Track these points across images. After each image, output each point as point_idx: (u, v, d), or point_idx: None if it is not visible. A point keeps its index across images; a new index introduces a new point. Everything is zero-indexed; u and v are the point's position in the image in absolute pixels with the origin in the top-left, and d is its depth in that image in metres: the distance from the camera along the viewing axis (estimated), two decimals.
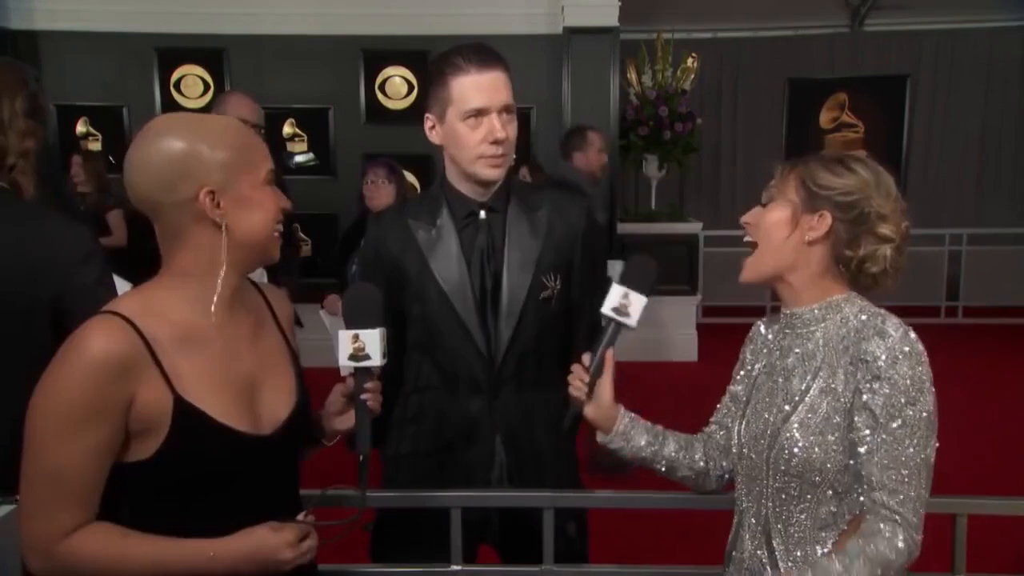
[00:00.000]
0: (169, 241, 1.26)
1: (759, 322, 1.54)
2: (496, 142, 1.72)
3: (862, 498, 1.30)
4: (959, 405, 4.85)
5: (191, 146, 1.21)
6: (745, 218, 1.44)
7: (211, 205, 1.22)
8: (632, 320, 1.48)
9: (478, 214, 1.81)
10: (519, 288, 1.79)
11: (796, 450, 1.32)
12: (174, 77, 6.19)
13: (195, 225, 1.23)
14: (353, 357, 1.36)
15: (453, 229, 1.80)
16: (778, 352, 1.43)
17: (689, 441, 1.57)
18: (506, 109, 1.73)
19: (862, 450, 1.29)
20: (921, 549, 1.27)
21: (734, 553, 1.47)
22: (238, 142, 1.26)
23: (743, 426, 1.44)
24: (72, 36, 5.90)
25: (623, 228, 6.25)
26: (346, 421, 1.43)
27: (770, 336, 1.50)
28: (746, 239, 1.43)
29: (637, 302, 1.48)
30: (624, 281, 1.49)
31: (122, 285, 1.87)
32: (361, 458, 1.38)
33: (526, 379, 1.82)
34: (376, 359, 1.36)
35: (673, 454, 1.54)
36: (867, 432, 1.28)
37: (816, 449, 1.31)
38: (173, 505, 1.24)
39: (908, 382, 1.26)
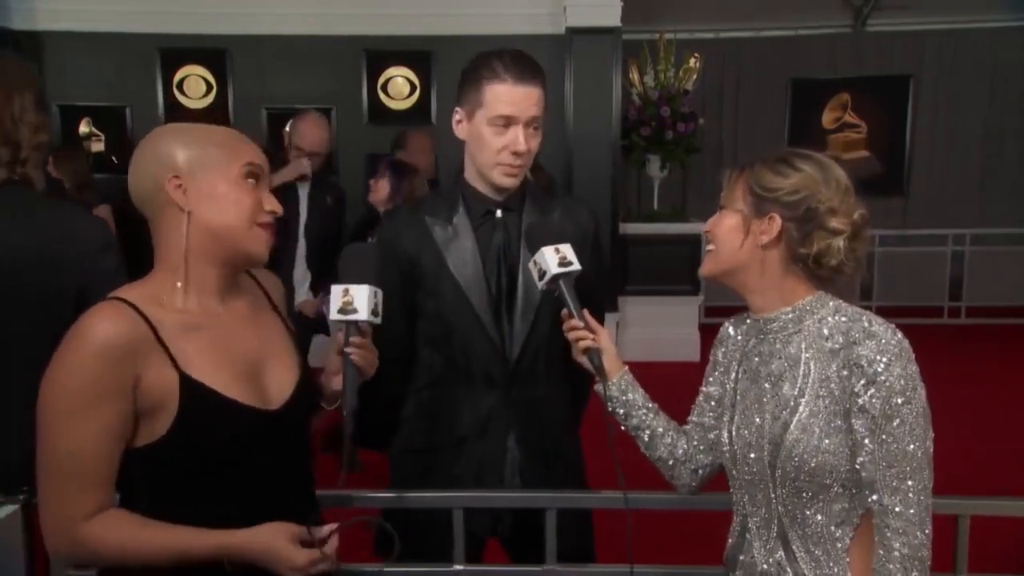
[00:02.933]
0: (156, 233, 1.32)
1: (727, 323, 1.55)
2: (516, 153, 1.75)
3: (871, 497, 1.31)
4: (962, 405, 4.85)
5: (167, 142, 1.30)
6: (705, 227, 1.46)
7: (176, 190, 1.27)
8: (576, 264, 1.58)
9: (494, 213, 1.83)
10: (534, 286, 1.80)
11: (806, 456, 1.32)
12: (177, 77, 6.20)
13: (167, 211, 1.29)
14: (342, 311, 1.39)
15: (469, 227, 1.83)
16: (757, 358, 1.43)
17: (677, 428, 1.60)
18: (533, 122, 1.77)
19: (863, 453, 1.29)
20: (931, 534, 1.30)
21: (741, 558, 1.46)
22: (215, 140, 1.32)
23: (733, 433, 1.44)
24: (74, 36, 5.91)
25: (625, 228, 6.26)
26: (340, 380, 1.44)
27: (739, 337, 1.51)
28: (708, 247, 1.45)
29: (567, 249, 1.59)
30: (544, 241, 1.59)
31: None
32: (345, 413, 1.39)
33: (539, 375, 1.85)
34: (363, 313, 1.38)
35: (660, 430, 1.57)
36: (866, 434, 1.29)
37: (825, 455, 1.31)
38: (189, 485, 1.27)
39: (903, 382, 1.27)
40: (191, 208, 1.28)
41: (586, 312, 1.58)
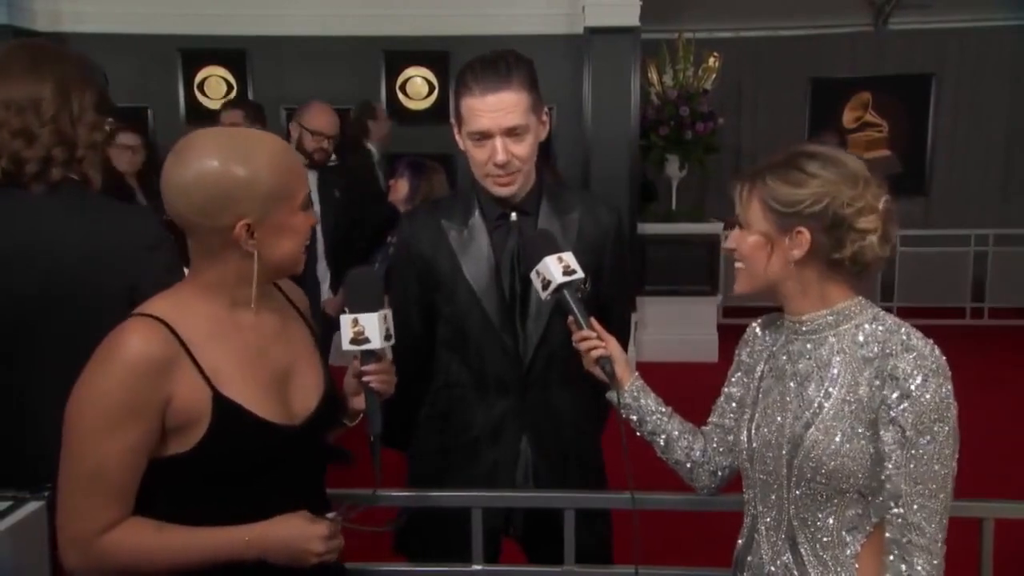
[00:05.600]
0: (200, 255, 1.30)
1: (754, 324, 1.53)
2: (498, 165, 1.73)
3: (893, 509, 1.29)
4: (985, 407, 4.79)
5: (232, 174, 1.21)
6: (727, 245, 1.43)
7: (246, 236, 1.24)
8: (580, 272, 1.56)
9: (509, 216, 1.83)
10: None
11: (824, 458, 1.31)
12: (198, 78, 6.24)
13: (228, 249, 1.26)
14: (354, 341, 1.39)
15: (484, 230, 1.82)
16: (785, 356, 1.41)
17: (693, 430, 1.58)
18: (511, 132, 1.72)
19: (890, 465, 1.28)
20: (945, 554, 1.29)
21: (750, 559, 1.45)
22: (280, 169, 1.26)
23: (753, 431, 1.42)
24: (97, 38, 5.95)
25: (643, 228, 6.24)
26: (361, 402, 1.46)
27: (767, 338, 1.48)
28: (737, 264, 1.41)
29: (570, 257, 1.57)
30: (547, 250, 1.57)
31: None
32: (372, 438, 1.41)
33: (553, 380, 1.84)
34: (376, 342, 1.38)
35: (675, 433, 1.56)
36: (895, 448, 1.27)
37: (844, 459, 1.30)
38: (209, 497, 1.28)
39: (937, 400, 1.26)
40: (259, 249, 1.26)
41: (593, 320, 1.57)
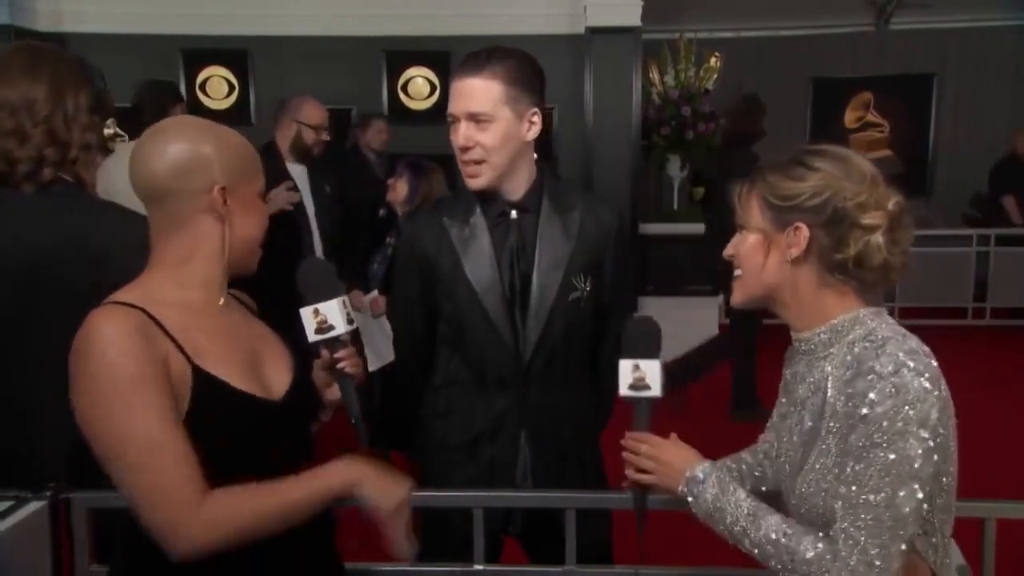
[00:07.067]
0: (167, 229, 1.29)
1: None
2: (460, 148, 1.76)
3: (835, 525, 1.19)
4: (987, 407, 4.79)
5: (208, 144, 1.28)
6: (726, 252, 1.36)
7: (221, 201, 1.27)
8: (656, 389, 1.44)
9: (509, 214, 1.83)
10: (548, 288, 1.81)
11: (818, 500, 1.22)
12: (199, 78, 6.25)
13: (199, 216, 1.28)
14: (319, 331, 1.40)
15: (485, 228, 1.83)
16: (791, 379, 1.35)
17: (760, 464, 1.52)
18: (473, 117, 1.73)
19: (832, 486, 1.20)
20: None
21: None
22: (246, 152, 1.34)
23: (781, 457, 1.36)
24: (99, 38, 5.96)
25: (645, 228, 6.24)
26: (335, 392, 1.47)
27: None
28: (736, 273, 1.34)
29: (651, 369, 1.44)
30: (629, 352, 1.46)
31: None
32: (353, 421, 1.43)
33: (553, 378, 1.85)
34: (340, 328, 1.40)
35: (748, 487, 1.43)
36: (837, 471, 1.19)
37: (834, 498, 1.20)
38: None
39: (886, 423, 1.14)
40: (230, 219, 1.28)
41: (649, 435, 1.44)
